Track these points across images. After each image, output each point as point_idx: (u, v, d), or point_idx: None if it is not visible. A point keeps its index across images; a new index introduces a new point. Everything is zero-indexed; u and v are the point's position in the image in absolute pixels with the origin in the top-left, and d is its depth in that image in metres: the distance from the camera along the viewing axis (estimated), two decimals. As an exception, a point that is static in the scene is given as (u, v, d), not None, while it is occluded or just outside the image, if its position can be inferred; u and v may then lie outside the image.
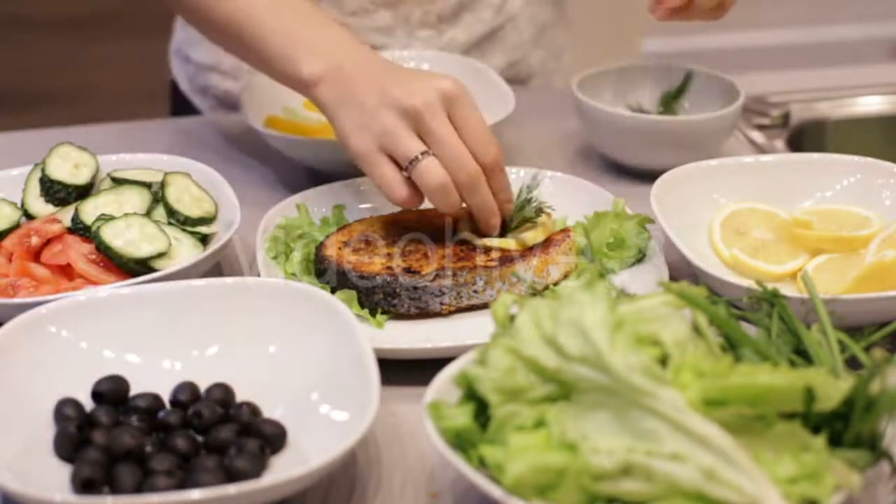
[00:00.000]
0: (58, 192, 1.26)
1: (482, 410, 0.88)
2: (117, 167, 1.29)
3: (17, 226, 1.24)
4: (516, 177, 1.33)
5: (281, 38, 1.22)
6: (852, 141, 1.67)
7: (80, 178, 1.27)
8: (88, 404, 0.99)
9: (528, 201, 1.21)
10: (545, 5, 1.71)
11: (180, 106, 1.71)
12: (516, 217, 1.21)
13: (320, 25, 1.23)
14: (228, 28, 1.26)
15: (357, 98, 1.17)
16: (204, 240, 1.22)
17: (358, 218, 1.27)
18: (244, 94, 1.47)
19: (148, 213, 1.22)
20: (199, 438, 0.97)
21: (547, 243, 1.20)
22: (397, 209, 1.28)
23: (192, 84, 1.68)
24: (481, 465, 0.86)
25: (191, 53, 1.66)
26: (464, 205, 1.19)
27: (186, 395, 1.00)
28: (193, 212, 1.23)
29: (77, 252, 1.17)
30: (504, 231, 1.21)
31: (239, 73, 1.61)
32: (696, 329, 0.90)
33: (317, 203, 1.30)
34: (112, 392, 1.00)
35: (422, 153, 1.14)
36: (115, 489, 0.90)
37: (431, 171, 1.14)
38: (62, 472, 0.92)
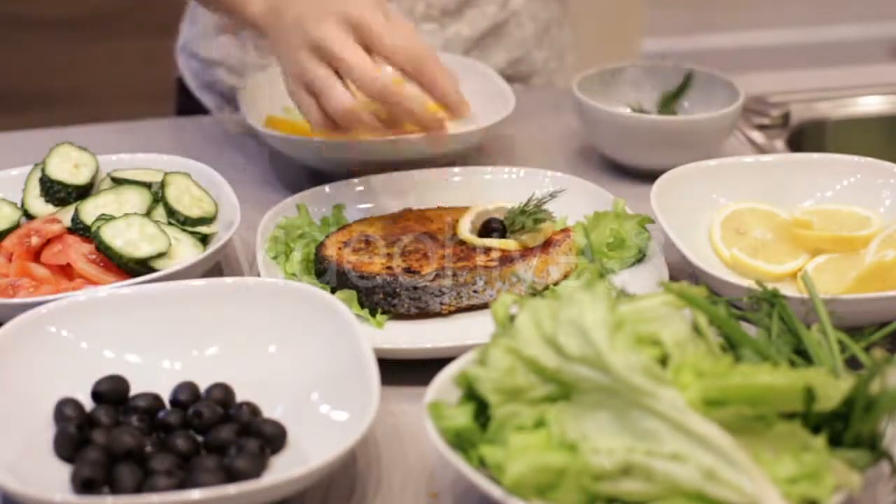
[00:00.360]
0: (58, 192, 1.26)
1: (482, 410, 0.88)
2: (117, 167, 1.30)
3: (17, 226, 1.24)
4: (516, 177, 1.33)
5: None
6: (852, 141, 1.67)
7: (80, 178, 1.27)
8: (88, 404, 0.99)
9: (538, 209, 1.21)
10: (549, 2, 1.71)
11: (186, 103, 1.71)
12: (520, 222, 1.20)
13: None
14: None
15: (284, 36, 1.21)
16: (204, 240, 1.22)
17: (358, 218, 1.27)
18: (244, 94, 1.47)
19: (148, 213, 1.22)
20: (199, 438, 0.97)
21: (547, 243, 1.20)
22: (397, 209, 1.28)
23: (198, 80, 1.69)
24: (481, 465, 0.86)
25: (197, 50, 1.67)
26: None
27: (186, 395, 1.00)
28: (193, 212, 1.23)
29: (77, 252, 1.17)
30: (504, 232, 1.21)
31: (244, 69, 1.62)
32: (696, 329, 0.90)
33: (317, 203, 1.30)
34: (112, 392, 1.00)
35: (326, 83, 1.17)
36: (115, 489, 0.90)
37: (333, 99, 1.17)
38: (62, 472, 0.92)
